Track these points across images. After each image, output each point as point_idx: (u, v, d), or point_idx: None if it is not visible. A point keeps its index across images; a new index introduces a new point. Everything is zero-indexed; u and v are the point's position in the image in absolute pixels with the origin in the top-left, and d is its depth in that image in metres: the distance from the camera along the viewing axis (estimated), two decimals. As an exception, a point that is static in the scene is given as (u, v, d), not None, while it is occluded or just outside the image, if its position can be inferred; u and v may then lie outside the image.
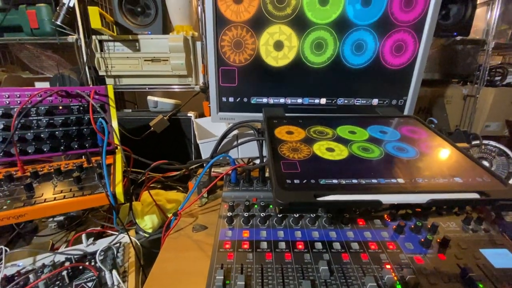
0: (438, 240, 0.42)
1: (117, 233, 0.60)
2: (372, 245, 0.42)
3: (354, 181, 0.32)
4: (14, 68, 1.32)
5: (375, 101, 0.66)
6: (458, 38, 1.19)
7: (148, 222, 0.68)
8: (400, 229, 0.44)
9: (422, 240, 0.42)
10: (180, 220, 0.56)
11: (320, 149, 0.39)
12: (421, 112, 1.25)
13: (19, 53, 1.19)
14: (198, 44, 1.11)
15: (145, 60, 1.09)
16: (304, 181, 0.32)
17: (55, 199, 0.50)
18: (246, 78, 0.63)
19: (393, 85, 0.64)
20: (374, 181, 0.32)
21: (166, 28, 1.14)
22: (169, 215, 0.75)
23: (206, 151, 0.64)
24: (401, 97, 0.65)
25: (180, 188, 0.91)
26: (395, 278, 0.36)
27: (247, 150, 0.65)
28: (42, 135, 0.61)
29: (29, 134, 0.61)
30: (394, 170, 0.36)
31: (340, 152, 0.38)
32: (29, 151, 0.60)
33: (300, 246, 0.41)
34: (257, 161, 0.68)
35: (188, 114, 1.02)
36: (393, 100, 0.66)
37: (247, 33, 0.59)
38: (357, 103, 0.65)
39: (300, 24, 0.59)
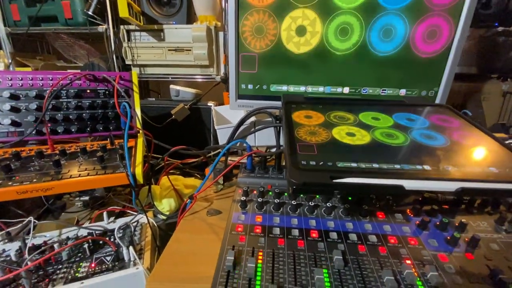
0: (466, 239, 0.39)
1: (136, 213, 0.62)
2: (391, 239, 0.39)
3: (375, 165, 0.30)
4: (50, 57, 1.41)
5: (402, 92, 0.62)
6: (500, 29, 1.08)
7: (166, 205, 0.70)
8: (424, 224, 0.41)
9: (448, 237, 0.39)
10: (196, 204, 0.56)
11: (339, 133, 0.37)
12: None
13: (54, 42, 1.27)
14: (221, 34, 1.11)
15: (169, 50, 1.12)
16: (320, 163, 0.31)
17: (79, 175, 0.53)
18: (266, 65, 0.62)
19: (423, 75, 0.60)
20: (397, 166, 0.30)
21: (190, 18, 1.16)
22: (186, 200, 0.77)
23: (223, 137, 0.64)
24: (432, 88, 0.61)
25: (198, 176, 0.92)
26: (416, 274, 0.34)
27: (264, 138, 0.64)
28: (70, 117, 0.65)
29: (59, 115, 0.64)
30: (420, 157, 0.33)
31: (361, 137, 0.36)
32: (59, 131, 0.64)
33: (314, 235, 0.40)
34: (274, 149, 0.67)
35: (209, 104, 1.03)
36: (423, 91, 0.61)
37: (269, 18, 0.58)
38: (383, 93, 0.62)
39: (325, 8, 0.57)
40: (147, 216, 0.58)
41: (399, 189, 0.26)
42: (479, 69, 1.17)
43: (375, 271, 0.34)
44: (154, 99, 1.21)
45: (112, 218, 0.62)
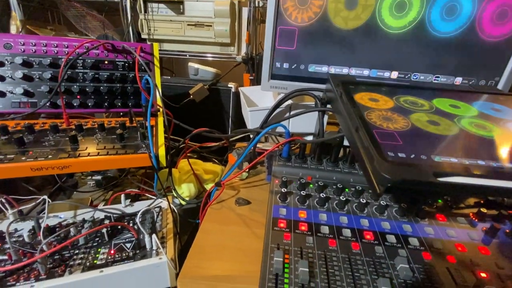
0: (546, 251, 0.34)
1: (155, 198, 0.58)
2: (458, 247, 0.34)
3: (480, 162, 0.25)
4: (61, 28, 1.34)
5: (458, 80, 0.55)
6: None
7: (185, 190, 0.65)
8: (493, 232, 0.36)
9: (524, 249, 0.34)
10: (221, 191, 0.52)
11: (419, 120, 0.31)
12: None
13: (66, 11, 1.19)
14: (245, 10, 1.03)
15: (188, 25, 1.04)
16: (412, 156, 0.25)
17: (98, 154, 0.48)
18: (306, 41, 0.55)
19: (486, 61, 0.53)
20: (509, 165, 0.25)
21: (212, -9, 1.07)
22: (206, 186, 0.73)
23: (254, 121, 0.58)
24: (493, 78, 0.54)
25: (215, 160, 0.87)
26: (498, 291, 0.29)
27: (297, 125, 0.58)
28: (87, 89, 0.59)
29: (75, 86, 0.59)
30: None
31: (447, 127, 0.30)
32: (74, 104, 0.58)
33: (368, 236, 0.35)
34: (308, 138, 0.61)
35: (229, 85, 0.96)
36: (481, 80, 0.55)
37: (316, -14, 0.51)
38: (436, 81, 0.55)
39: (381, -23, 0.49)
40: (169, 202, 0.53)
41: (522, 195, 0.21)
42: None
43: (447, 285, 0.29)
44: (169, 77, 1.15)
45: (128, 201, 0.58)
